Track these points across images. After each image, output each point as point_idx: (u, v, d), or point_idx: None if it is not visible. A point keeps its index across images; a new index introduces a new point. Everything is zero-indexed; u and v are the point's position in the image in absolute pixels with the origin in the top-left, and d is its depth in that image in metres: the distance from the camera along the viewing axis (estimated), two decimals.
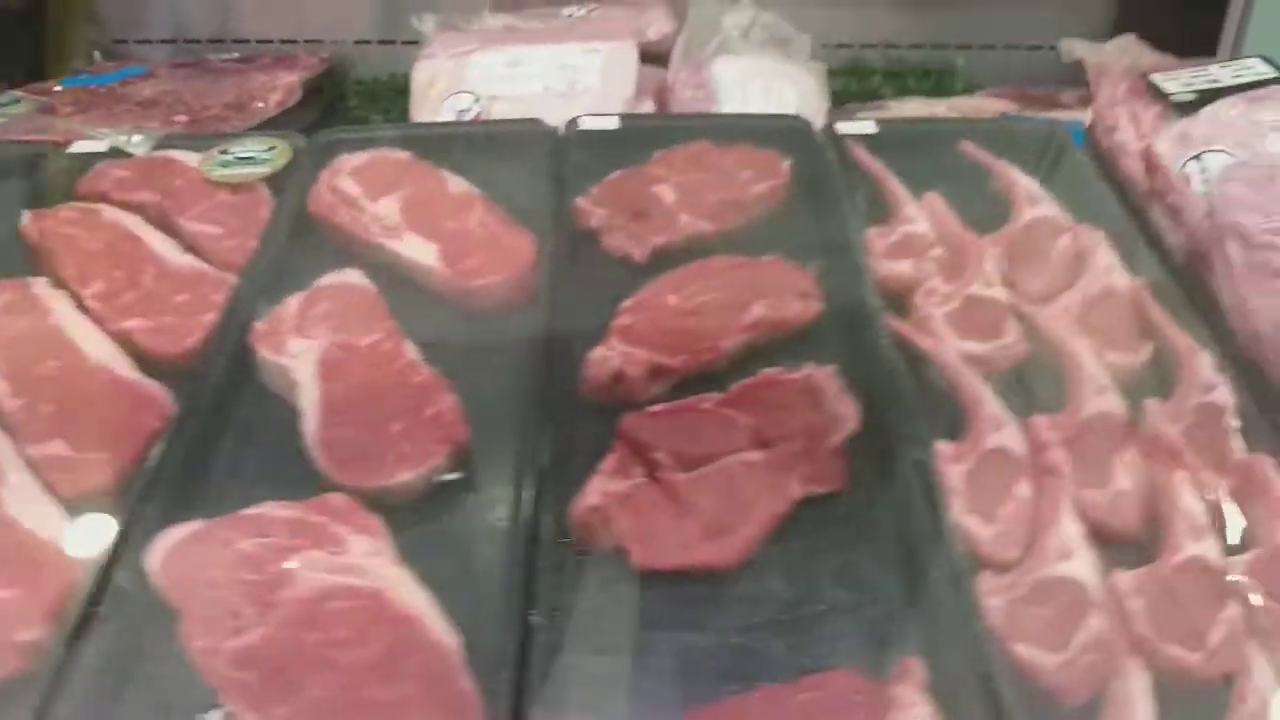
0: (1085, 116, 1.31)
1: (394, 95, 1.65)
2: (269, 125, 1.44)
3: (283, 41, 1.70)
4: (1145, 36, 1.62)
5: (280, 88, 1.51)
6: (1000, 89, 1.57)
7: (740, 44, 1.44)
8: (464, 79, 1.30)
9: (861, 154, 1.15)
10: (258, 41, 1.70)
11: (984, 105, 1.52)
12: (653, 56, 1.49)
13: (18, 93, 1.49)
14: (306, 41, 1.70)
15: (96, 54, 1.72)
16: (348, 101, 1.65)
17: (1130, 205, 1.10)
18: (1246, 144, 1.02)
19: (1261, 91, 1.08)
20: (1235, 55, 1.40)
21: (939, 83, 1.64)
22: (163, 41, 1.73)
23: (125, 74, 1.56)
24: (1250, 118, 1.05)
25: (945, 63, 1.68)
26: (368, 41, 1.70)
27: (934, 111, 1.51)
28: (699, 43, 1.42)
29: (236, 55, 1.67)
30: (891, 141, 1.17)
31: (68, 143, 1.22)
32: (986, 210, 1.09)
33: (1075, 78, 1.66)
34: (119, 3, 1.71)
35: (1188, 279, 1.01)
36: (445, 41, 1.38)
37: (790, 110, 1.31)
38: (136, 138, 1.18)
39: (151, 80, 1.52)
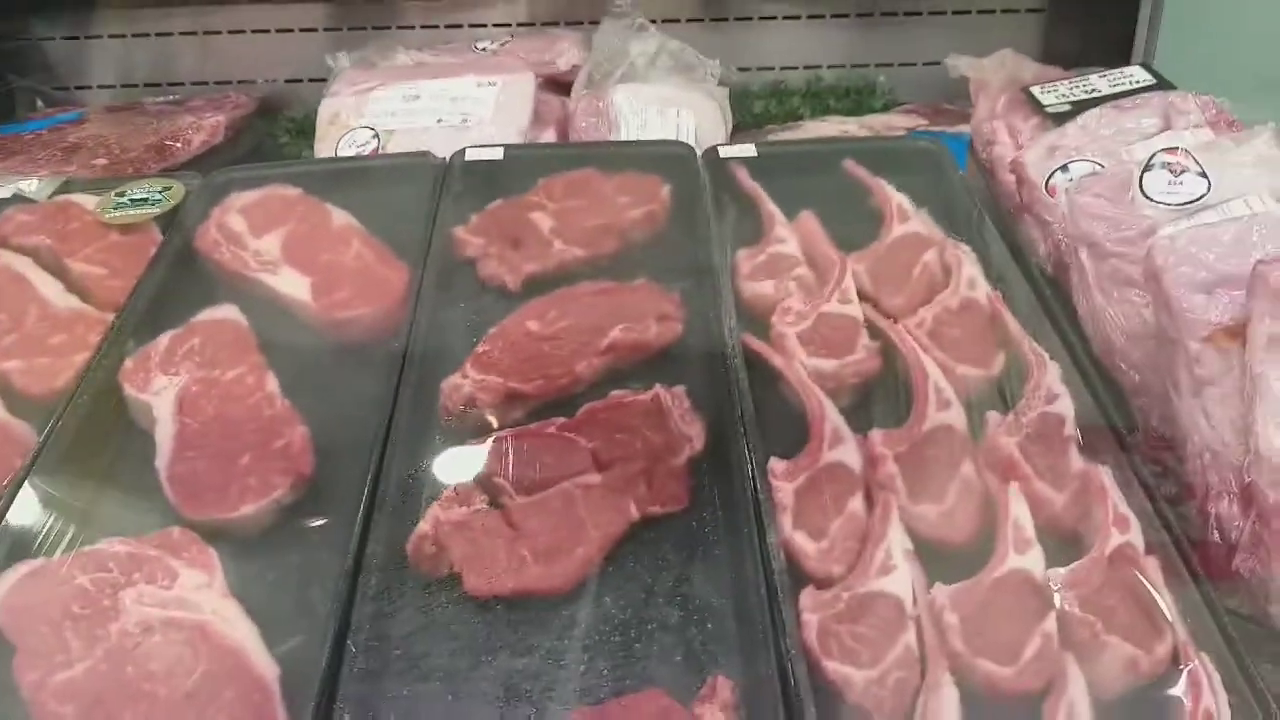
0: None
1: None
2: (191, 165, 1.48)
3: (218, 83, 1.75)
4: (1066, 48, 1.64)
5: (205, 128, 1.55)
6: (914, 105, 1.58)
7: (646, 71, 1.46)
8: (364, 114, 1.33)
9: (741, 176, 1.16)
10: (194, 84, 1.75)
11: (895, 121, 1.53)
12: (563, 84, 1.52)
13: None
14: (240, 82, 1.74)
15: (39, 101, 1.77)
16: (279, 139, 1.68)
17: (1004, 220, 1.10)
18: (1112, 153, 1.02)
19: (1132, 100, 1.08)
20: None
21: (859, 101, 1.65)
22: (102, 87, 1.78)
23: (58, 120, 1.60)
24: (1118, 125, 1.05)
25: (866, 81, 1.69)
26: (299, 80, 1.74)
27: (845, 129, 1.52)
28: (603, 70, 1.44)
29: (173, 98, 1.71)
30: (774, 164, 1.18)
31: None
32: (863, 228, 1.10)
33: None
34: (63, 50, 1.76)
35: (1053, 289, 1.00)
36: (350, 78, 1.41)
37: (688, 136, 1.33)
38: (37, 183, 1.21)
39: (82, 125, 1.56)
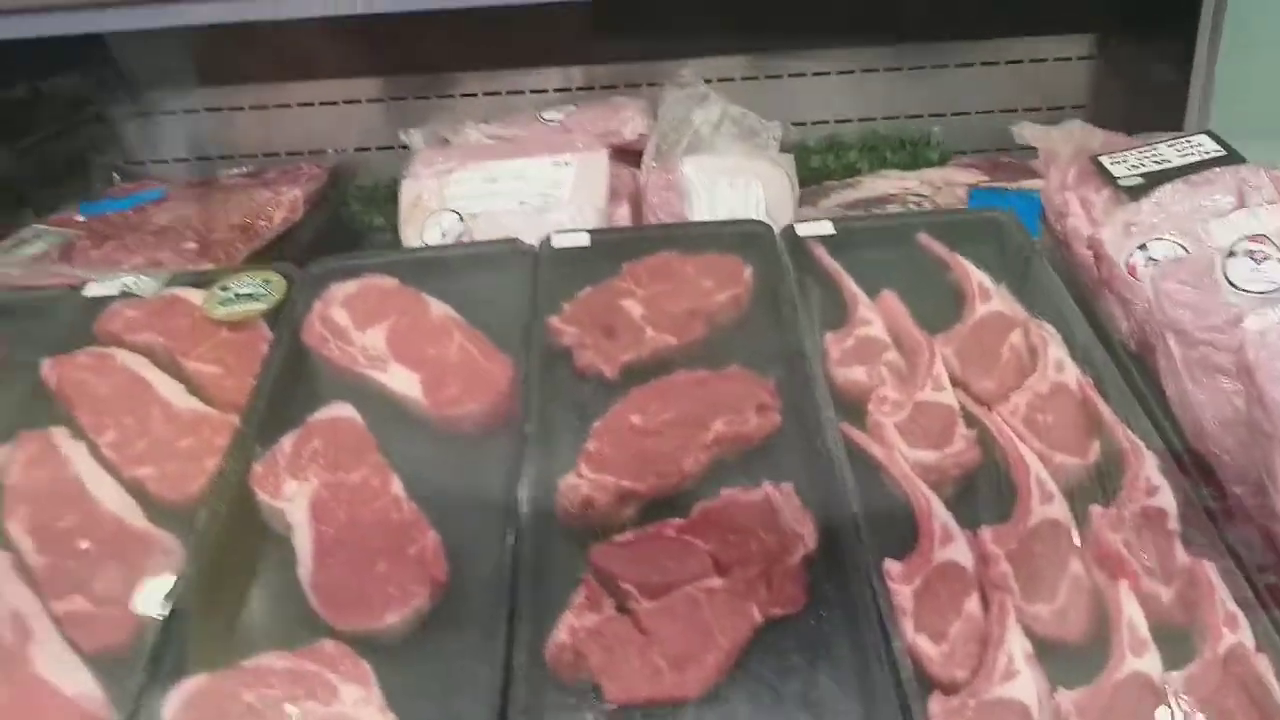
0: None
1: (392, 198, 1.73)
2: (276, 244, 1.54)
3: (288, 154, 1.80)
4: (1118, 95, 1.67)
5: (284, 204, 1.61)
6: (971, 159, 1.61)
7: (711, 138, 1.50)
8: (446, 197, 1.38)
9: (821, 255, 1.20)
10: (265, 155, 1.81)
11: (954, 176, 1.56)
12: (630, 153, 1.56)
13: (40, 225, 1.60)
14: (310, 153, 1.80)
15: (115, 176, 1.83)
16: (350, 206, 1.74)
17: (1083, 292, 1.14)
18: (1189, 231, 1.05)
19: (1204, 175, 1.11)
20: (1201, 120, 1.44)
21: (915, 154, 1.69)
22: (176, 160, 1.84)
23: (141, 199, 1.67)
24: (1193, 202, 1.08)
25: (920, 133, 1.72)
26: (367, 149, 1.79)
27: (905, 185, 1.55)
28: (670, 140, 1.48)
29: (246, 170, 1.77)
30: (850, 239, 1.22)
31: (83, 284, 1.31)
32: (944, 304, 1.14)
33: None
34: (136, 126, 1.82)
35: (1138, 368, 1.04)
36: (427, 159, 1.45)
37: (758, 205, 1.37)
38: (144, 280, 1.27)
39: (165, 205, 1.62)
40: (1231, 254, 0.97)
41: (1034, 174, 1.53)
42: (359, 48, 1.67)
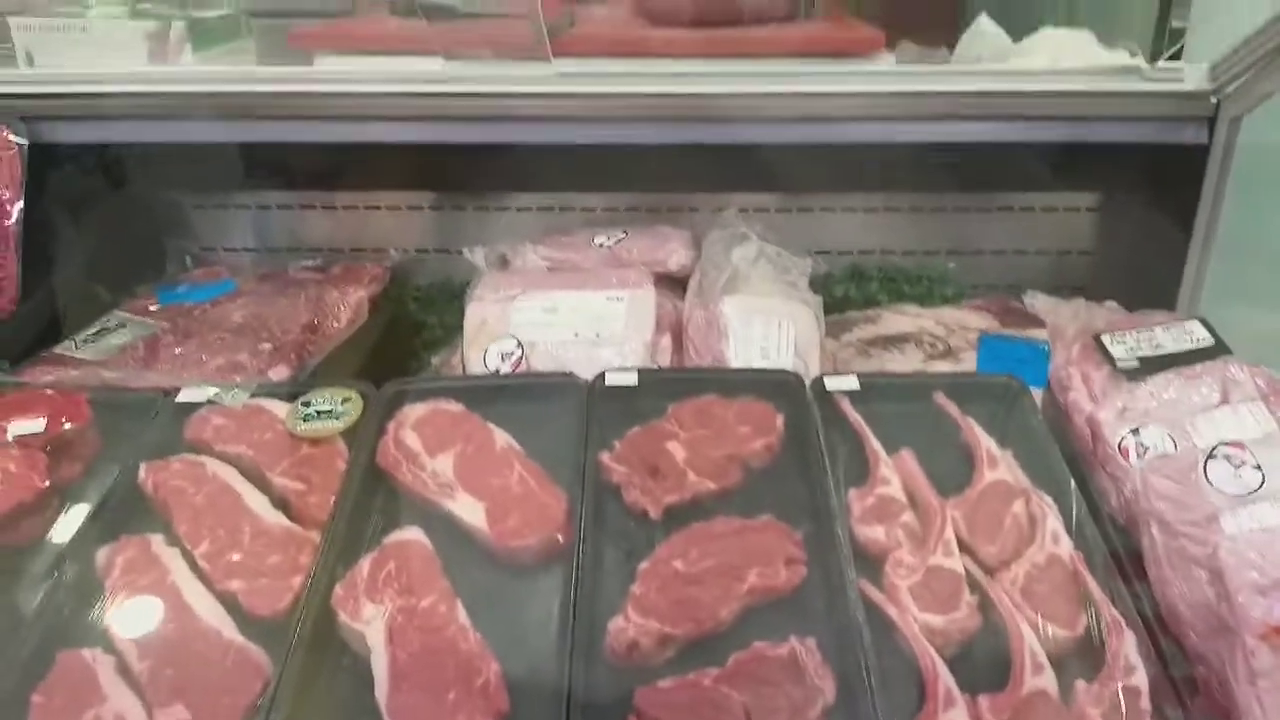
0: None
1: (447, 300, 1.88)
2: (344, 346, 1.67)
3: (352, 250, 1.94)
4: (1119, 249, 1.81)
5: (350, 304, 1.74)
6: (984, 301, 1.75)
7: (748, 273, 1.64)
8: (509, 324, 1.51)
9: (846, 409, 1.33)
10: (329, 250, 1.95)
11: (967, 319, 1.70)
12: (674, 280, 1.71)
13: (122, 314, 1.73)
14: (373, 250, 1.94)
15: (188, 259, 1.97)
16: (408, 307, 1.88)
17: (1079, 461, 1.27)
18: (1177, 422, 1.19)
19: (1197, 368, 1.25)
20: (1199, 279, 1.58)
21: (930, 288, 1.83)
22: (245, 250, 1.98)
23: (215, 291, 1.80)
24: (1185, 396, 1.22)
25: (937, 268, 1.86)
26: (426, 250, 1.94)
27: (921, 325, 1.69)
28: (711, 278, 1.62)
29: (313, 263, 1.91)
30: (874, 394, 1.36)
31: (175, 390, 1.44)
32: (956, 461, 1.27)
33: (1054, 280, 1.85)
34: (211, 216, 1.97)
35: (1124, 542, 1.17)
36: (492, 283, 1.59)
37: (790, 344, 1.50)
38: (233, 392, 1.40)
39: (239, 301, 1.75)
40: (1212, 456, 1.10)
41: (1040, 323, 1.67)
42: (425, 162, 1.81)
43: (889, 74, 1.62)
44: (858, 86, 1.56)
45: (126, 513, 1.28)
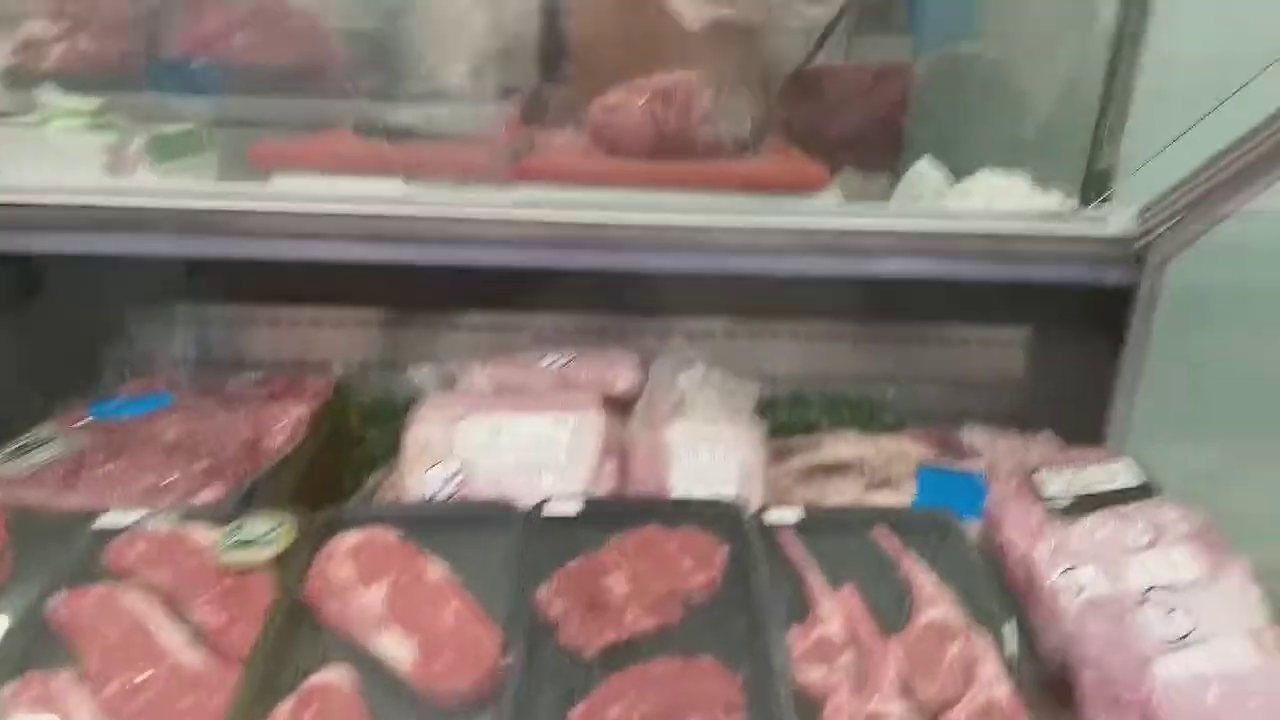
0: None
1: (389, 416, 1.85)
2: (282, 465, 1.64)
3: (294, 363, 1.92)
4: (1049, 379, 1.87)
5: (290, 422, 1.71)
6: (923, 430, 1.78)
7: (694, 398, 1.65)
8: (452, 445, 1.50)
9: (788, 541, 1.33)
10: (271, 364, 1.92)
11: (907, 448, 1.72)
12: (621, 403, 1.71)
13: (50, 428, 1.68)
14: (316, 363, 1.92)
15: (126, 370, 1.93)
16: (349, 422, 1.85)
17: (1015, 598, 1.27)
18: (1111, 564, 1.20)
19: (1130, 508, 1.27)
20: (1124, 433, 1.63)
21: (871, 414, 1.86)
22: (185, 362, 1.94)
23: (151, 405, 1.76)
24: (1117, 536, 1.24)
25: (877, 395, 1.90)
26: (370, 365, 1.92)
27: (862, 453, 1.71)
28: (657, 401, 1.63)
29: (254, 377, 1.88)
30: (816, 526, 1.36)
31: (98, 513, 1.38)
32: (897, 596, 1.27)
33: (990, 408, 1.89)
34: (149, 328, 1.94)
35: (1059, 682, 1.16)
36: (437, 403, 1.58)
37: (734, 472, 1.51)
38: (156, 516, 1.35)
39: (174, 416, 1.71)
40: (1144, 600, 1.11)
41: (976, 453, 1.70)
42: (375, 278, 1.81)
43: (832, 212, 1.68)
44: (802, 222, 1.62)
45: (36, 646, 1.21)
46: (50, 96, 1.92)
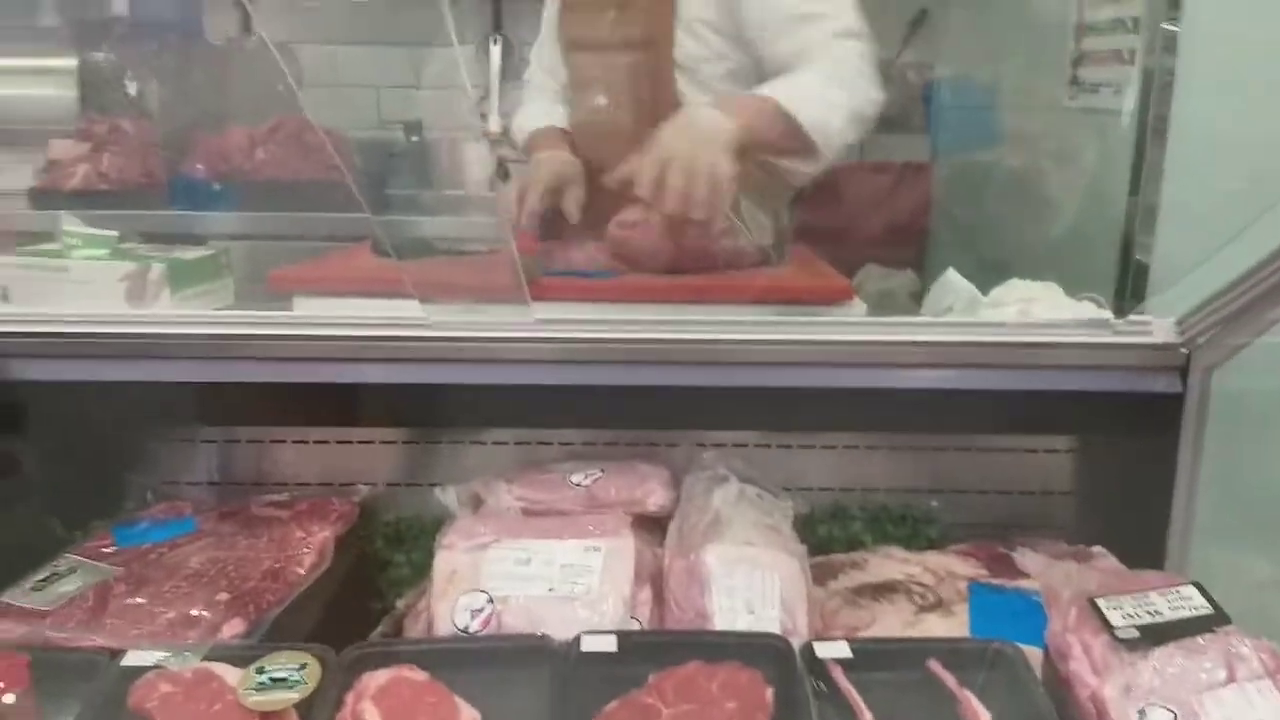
0: None
1: (416, 536, 1.81)
2: (306, 595, 1.59)
3: (319, 484, 1.89)
4: (1101, 489, 1.81)
5: (315, 547, 1.67)
6: (971, 546, 1.71)
7: (731, 515, 1.60)
8: (479, 575, 1.44)
9: (839, 677, 1.26)
10: (296, 484, 1.89)
11: (954, 566, 1.65)
12: (654, 521, 1.66)
13: (74, 557, 1.64)
14: (341, 484, 1.88)
15: (149, 494, 1.90)
16: (375, 544, 1.81)
17: None
18: (1186, 703, 1.12)
19: (1200, 640, 1.20)
20: (1183, 547, 1.56)
21: (915, 529, 1.79)
22: (210, 484, 1.92)
23: (176, 530, 1.73)
24: (1189, 672, 1.16)
25: (922, 508, 1.84)
26: (397, 484, 1.89)
27: (909, 572, 1.64)
28: (691, 522, 1.58)
29: (280, 498, 1.84)
30: (867, 661, 1.29)
31: (121, 652, 1.34)
32: None
33: (1038, 519, 1.83)
34: (172, 451, 1.92)
35: None
36: (463, 529, 1.54)
37: (775, 598, 1.44)
38: (183, 655, 1.30)
39: (198, 543, 1.67)
40: None
41: (1027, 574, 1.63)
42: (401, 397, 1.79)
43: (860, 324, 1.66)
44: (829, 336, 1.60)
45: None
46: (72, 225, 1.96)
